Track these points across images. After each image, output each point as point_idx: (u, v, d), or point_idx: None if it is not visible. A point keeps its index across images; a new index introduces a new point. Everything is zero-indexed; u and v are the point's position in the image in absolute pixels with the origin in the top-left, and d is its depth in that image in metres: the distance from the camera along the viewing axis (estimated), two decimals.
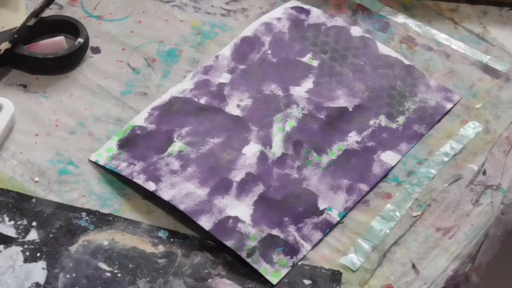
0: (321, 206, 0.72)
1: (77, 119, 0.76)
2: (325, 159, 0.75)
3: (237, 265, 0.68)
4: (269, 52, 0.83)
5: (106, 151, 0.74)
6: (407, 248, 0.71)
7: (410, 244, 0.71)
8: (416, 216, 0.73)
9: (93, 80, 0.79)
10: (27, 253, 0.67)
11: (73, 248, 0.67)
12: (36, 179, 0.71)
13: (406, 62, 0.84)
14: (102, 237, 0.68)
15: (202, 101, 0.78)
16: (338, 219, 0.72)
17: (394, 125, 0.79)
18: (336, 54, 0.84)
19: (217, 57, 0.82)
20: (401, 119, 0.79)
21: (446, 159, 0.77)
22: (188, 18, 0.85)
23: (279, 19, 0.86)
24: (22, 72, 0.79)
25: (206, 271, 0.68)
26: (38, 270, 0.66)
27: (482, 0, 0.91)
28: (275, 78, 0.81)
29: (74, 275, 0.66)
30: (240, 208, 0.71)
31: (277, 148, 0.75)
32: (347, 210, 0.73)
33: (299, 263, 0.69)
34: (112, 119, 0.76)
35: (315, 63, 0.83)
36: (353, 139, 0.77)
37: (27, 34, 0.79)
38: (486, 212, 0.74)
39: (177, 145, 0.74)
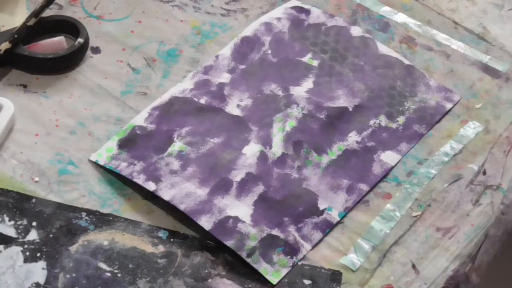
0: (321, 206, 0.72)
1: (77, 119, 0.76)
2: (325, 159, 0.75)
3: (237, 265, 0.68)
4: (269, 52, 0.83)
5: (106, 151, 0.74)
6: (407, 248, 0.71)
7: (410, 244, 0.71)
8: (416, 216, 0.73)
9: (93, 80, 0.79)
10: (27, 253, 0.67)
11: (73, 248, 0.67)
12: (36, 179, 0.71)
13: (406, 62, 0.84)
14: (102, 237, 0.68)
15: (202, 101, 0.78)
16: (338, 219, 0.72)
17: (394, 125, 0.79)
18: (336, 54, 0.84)
19: (217, 57, 0.82)
20: (401, 119, 0.79)
21: (446, 159, 0.77)
22: (188, 18, 0.85)
23: (279, 19, 0.86)
24: (22, 72, 0.79)
25: (206, 271, 0.68)
26: (38, 270, 0.66)
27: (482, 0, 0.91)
28: (275, 78, 0.81)
29: (74, 275, 0.66)
30: (240, 208, 0.71)
31: (277, 148, 0.75)
32: (347, 210, 0.73)
33: (299, 263, 0.69)
34: (112, 119, 0.76)
35: (315, 63, 0.83)
36: (353, 139, 0.77)
37: (27, 34, 0.79)
38: (486, 212, 0.74)
39: (177, 145, 0.74)
